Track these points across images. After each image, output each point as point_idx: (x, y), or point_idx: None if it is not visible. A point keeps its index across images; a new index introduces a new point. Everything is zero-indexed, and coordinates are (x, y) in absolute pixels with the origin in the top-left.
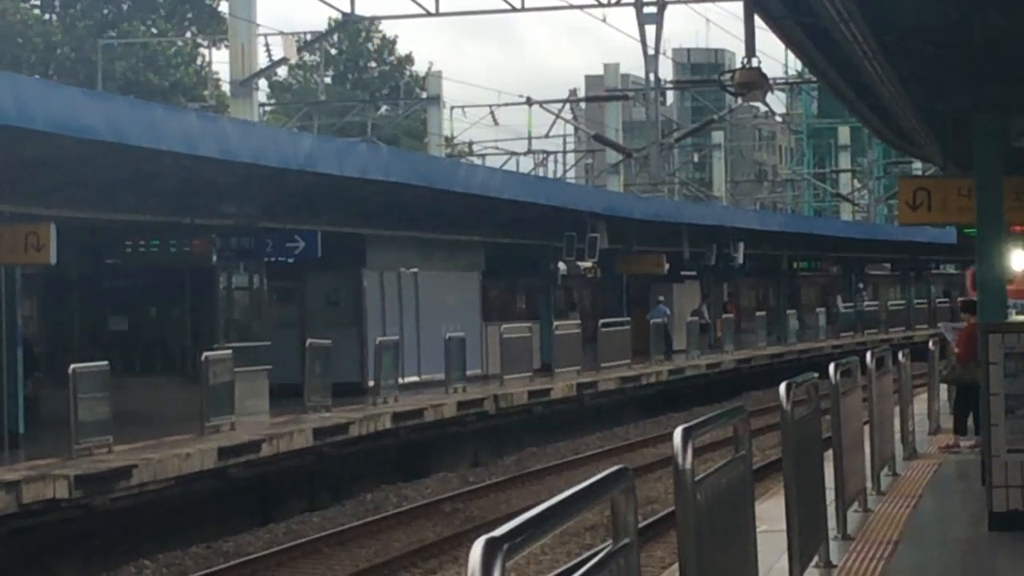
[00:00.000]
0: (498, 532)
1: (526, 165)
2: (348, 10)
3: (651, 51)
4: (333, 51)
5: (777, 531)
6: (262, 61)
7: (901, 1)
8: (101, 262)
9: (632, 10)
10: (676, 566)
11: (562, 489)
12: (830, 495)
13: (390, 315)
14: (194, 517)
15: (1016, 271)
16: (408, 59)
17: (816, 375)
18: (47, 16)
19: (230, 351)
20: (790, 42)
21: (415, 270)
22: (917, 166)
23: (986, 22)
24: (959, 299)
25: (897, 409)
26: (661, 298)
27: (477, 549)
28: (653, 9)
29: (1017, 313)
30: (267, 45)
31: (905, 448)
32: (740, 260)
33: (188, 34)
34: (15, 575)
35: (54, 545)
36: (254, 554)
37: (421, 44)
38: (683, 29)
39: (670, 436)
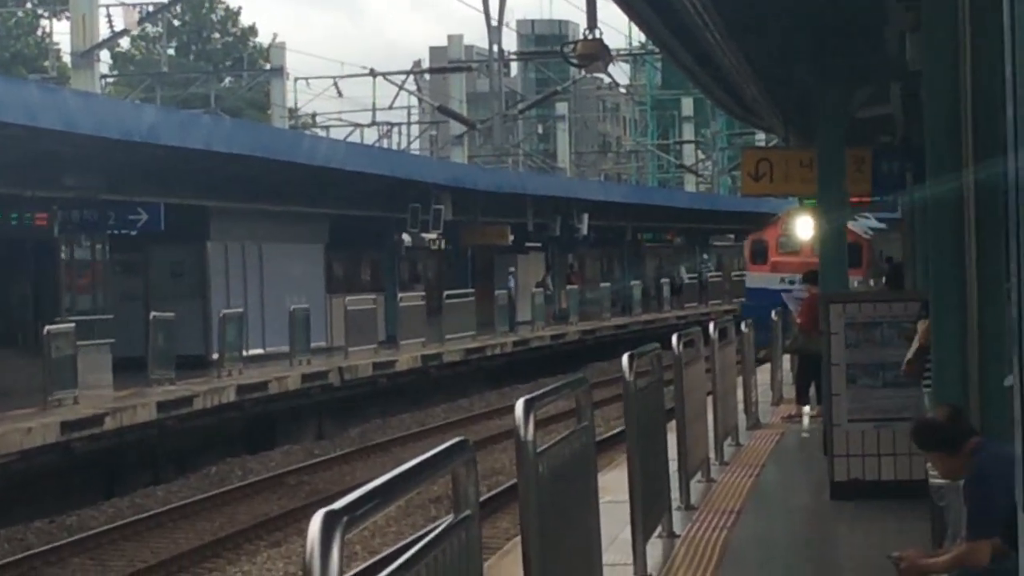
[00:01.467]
0: (337, 505)
1: (370, 137)
2: None
3: (494, 22)
4: (176, 22)
5: (621, 502)
6: (104, 32)
7: None
8: None
9: None
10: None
11: (407, 461)
12: (673, 465)
13: (234, 287)
14: (37, 492)
15: (802, 240)
16: (252, 30)
17: (659, 346)
18: None
19: (72, 324)
20: (632, 13)
21: (259, 242)
22: (760, 137)
23: None
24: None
25: (740, 379)
26: (512, 270)
27: (316, 522)
28: None
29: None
30: (109, 16)
31: (748, 418)
32: (584, 231)
33: (28, 4)
34: None
35: None
36: (98, 528)
37: (264, 15)
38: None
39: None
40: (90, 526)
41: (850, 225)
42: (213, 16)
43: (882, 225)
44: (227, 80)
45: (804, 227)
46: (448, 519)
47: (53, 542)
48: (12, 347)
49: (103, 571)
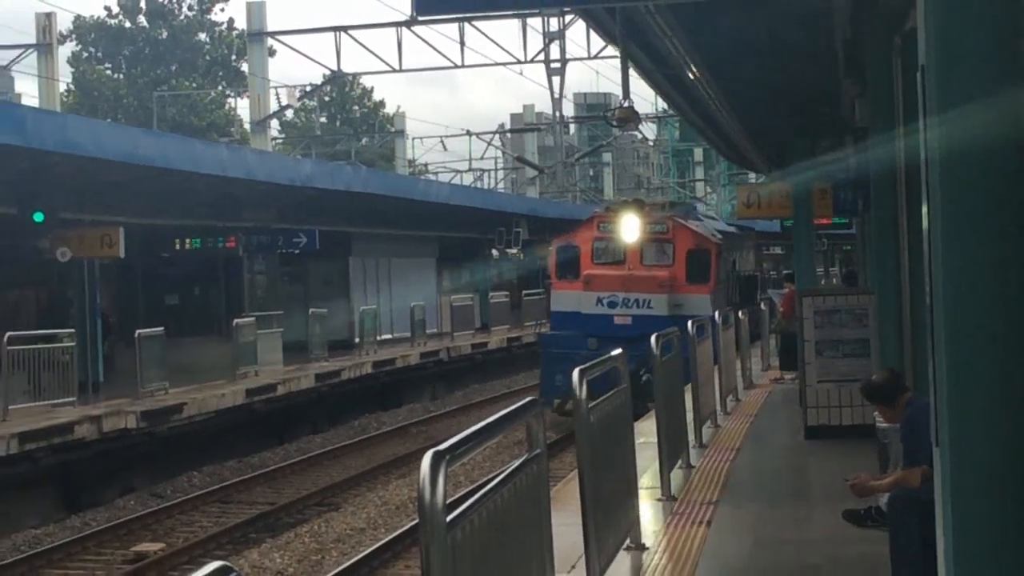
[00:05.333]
0: (442, 446)
1: (467, 180)
2: (336, 68)
3: (557, 95)
4: (326, 98)
5: (651, 442)
6: (273, 106)
7: (734, 56)
8: (158, 255)
9: (543, 66)
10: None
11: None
12: (690, 416)
13: (370, 290)
14: (229, 440)
15: (629, 244)
16: (381, 104)
17: (677, 329)
18: (116, 75)
19: (253, 318)
20: (656, 87)
21: (388, 258)
22: (752, 176)
23: (791, 71)
24: (785, 273)
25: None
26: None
27: (427, 459)
28: (558, 65)
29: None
30: (277, 95)
31: (744, 380)
32: None
33: (219, 87)
34: (100, 483)
35: (127, 462)
36: (273, 466)
37: (390, 93)
38: (580, 78)
39: None
40: (268, 464)
41: (693, 225)
42: (353, 94)
43: (732, 229)
44: (364, 140)
45: (630, 227)
46: (524, 456)
47: (242, 476)
48: (210, 336)
49: (278, 497)
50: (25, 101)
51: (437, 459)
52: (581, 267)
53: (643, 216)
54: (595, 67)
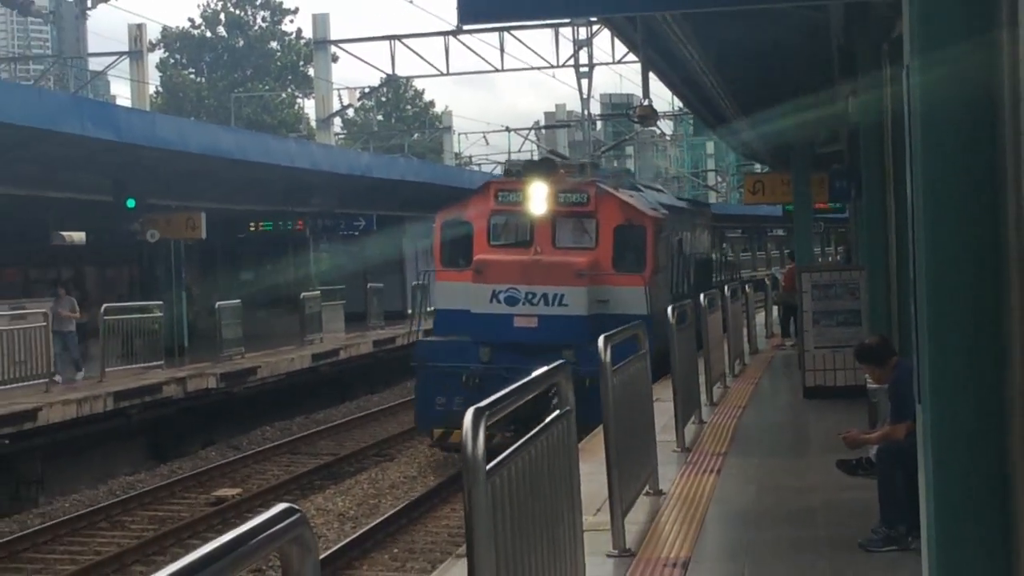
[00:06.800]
0: (481, 404)
1: None
2: (391, 72)
3: (585, 96)
4: (383, 99)
5: (667, 401)
6: (336, 106)
7: (742, 60)
8: (235, 236)
9: (573, 70)
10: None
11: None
12: (702, 378)
13: (421, 267)
14: (297, 398)
15: (537, 217)
16: (431, 103)
17: (690, 301)
18: (199, 79)
19: (319, 292)
20: (673, 87)
21: None
22: (757, 167)
23: (792, 73)
24: (787, 252)
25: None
26: None
27: (468, 415)
28: (586, 69)
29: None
30: (339, 95)
31: (750, 346)
32: None
33: (289, 89)
34: (185, 437)
35: (209, 418)
36: (337, 421)
37: (439, 94)
38: (606, 81)
39: None
40: (331, 420)
41: (624, 195)
42: (406, 95)
43: (682, 204)
44: (415, 135)
45: (537, 196)
46: (555, 413)
47: (308, 430)
48: (280, 307)
49: (340, 449)
50: (119, 102)
51: (478, 415)
52: (474, 250)
53: (555, 182)
54: (619, 71)
